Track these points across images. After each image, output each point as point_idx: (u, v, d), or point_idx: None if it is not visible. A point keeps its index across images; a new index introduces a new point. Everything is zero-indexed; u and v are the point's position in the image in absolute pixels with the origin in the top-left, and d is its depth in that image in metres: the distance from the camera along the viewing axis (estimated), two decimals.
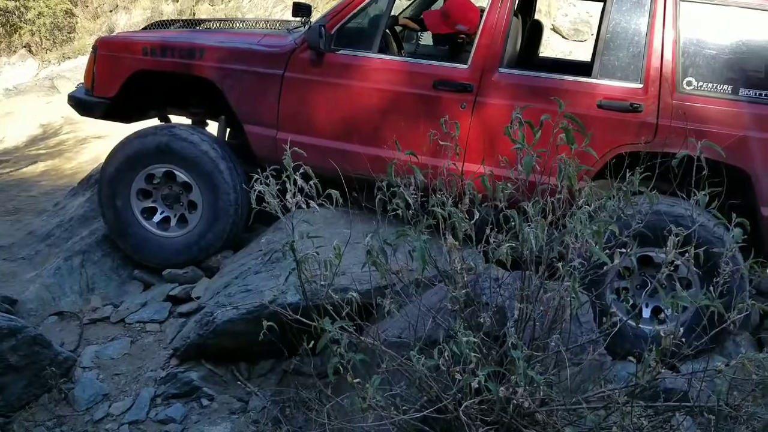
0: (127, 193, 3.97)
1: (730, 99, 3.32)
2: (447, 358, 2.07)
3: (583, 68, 4.05)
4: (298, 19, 4.09)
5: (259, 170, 2.30)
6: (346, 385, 2.20)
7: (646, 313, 3.40)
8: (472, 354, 2.01)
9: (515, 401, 2.02)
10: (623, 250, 2.33)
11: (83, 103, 4.25)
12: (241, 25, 5.15)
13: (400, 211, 2.34)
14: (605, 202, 2.32)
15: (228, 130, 4.32)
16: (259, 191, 2.21)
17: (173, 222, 4.02)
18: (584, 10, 9.24)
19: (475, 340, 2.06)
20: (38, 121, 10.15)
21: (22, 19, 12.95)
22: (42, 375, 3.20)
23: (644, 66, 3.39)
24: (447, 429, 2.22)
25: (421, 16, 4.59)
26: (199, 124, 4.60)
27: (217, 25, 4.97)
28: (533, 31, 4.82)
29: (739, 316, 2.12)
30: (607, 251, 2.22)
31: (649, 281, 2.43)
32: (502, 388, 2.00)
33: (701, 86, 3.34)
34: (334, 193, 2.24)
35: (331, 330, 2.10)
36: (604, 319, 2.42)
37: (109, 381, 3.34)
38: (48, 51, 12.98)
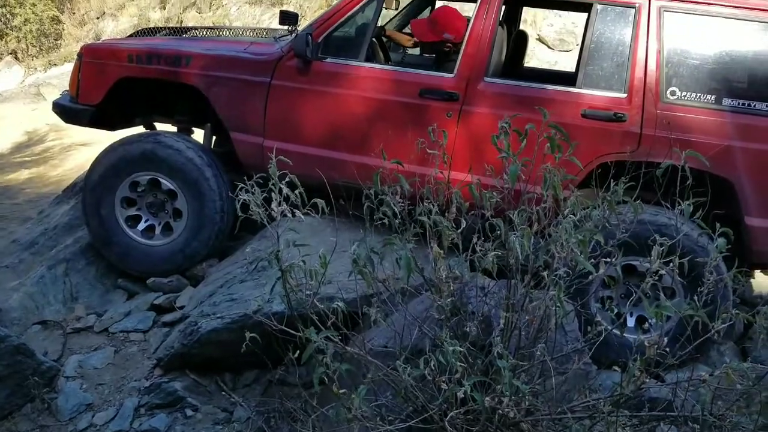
0: (112, 201, 3.94)
1: (713, 109, 3.35)
2: (433, 367, 2.06)
3: (567, 78, 4.08)
4: (284, 27, 4.09)
5: (245, 178, 2.29)
6: (332, 396, 2.19)
7: (631, 322, 3.41)
8: (458, 364, 2.01)
9: (501, 411, 2.02)
10: (608, 259, 2.34)
11: (68, 111, 4.22)
12: (228, 32, 5.14)
13: (386, 220, 2.34)
14: (590, 211, 2.33)
15: (214, 137, 4.30)
16: (245, 200, 2.20)
17: (158, 230, 4.00)
18: (569, 21, 9.31)
19: (461, 349, 2.05)
20: (23, 128, 10.07)
21: (8, 26, 12.89)
22: (25, 384, 3.17)
23: (628, 76, 3.41)
24: None
25: (409, 26, 4.61)
26: (185, 131, 4.58)
27: (204, 32, 4.96)
28: (518, 42, 4.85)
29: (723, 325, 2.12)
30: (592, 260, 2.23)
31: (633, 291, 2.43)
32: (487, 398, 2.00)
33: (685, 96, 3.37)
34: (320, 201, 2.24)
35: (317, 340, 2.09)
36: (589, 329, 2.42)
37: (93, 391, 3.31)
38: (34, 58, 12.91)
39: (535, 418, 2.18)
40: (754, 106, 3.32)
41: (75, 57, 4.32)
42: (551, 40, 9.35)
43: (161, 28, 5.41)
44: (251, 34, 4.95)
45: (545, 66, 8.40)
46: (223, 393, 3.20)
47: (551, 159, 2.27)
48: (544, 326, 2.30)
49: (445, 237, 2.25)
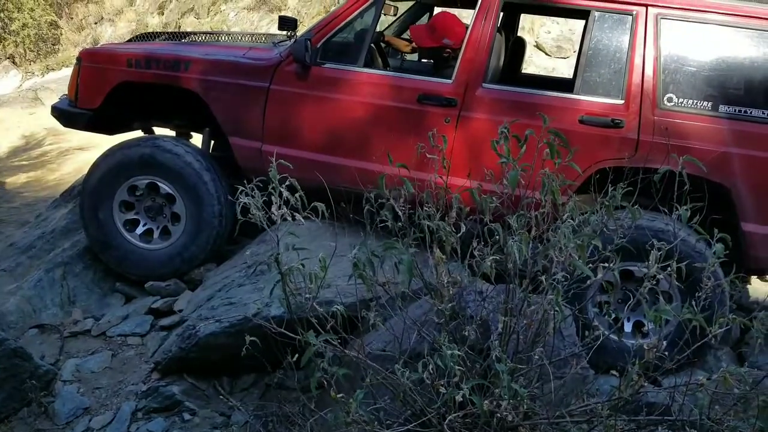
0: (110, 204, 3.94)
1: (710, 115, 3.37)
2: (431, 371, 2.06)
3: (565, 84, 4.10)
4: (283, 32, 4.10)
5: (244, 182, 2.30)
6: (330, 400, 2.19)
7: (628, 327, 3.42)
8: (457, 367, 2.01)
9: (499, 415, 2.02)
10: (606, 264, 2.35)
11: (67, 115, 4.23)
12: (226, 38, 5.16)
13: (387, 224, 2.35)
14: (589, 216, 2.34)
15: (212, 142, 4.31)
16: (245, 203, 2.21)
17: (156, 234, 4.00)
18: (567, 28, 9.34)
19: (460, 353, 2.06)
20: (21, 132, 10.06)
21: (6, 30, 12.90)
22: (22, 388, 3.16)
23: (625, 82, 3.43)
24: None
25: (407, 32, 4.63)
26: (183, 136, 4.60)
27: (203, 37, 4.97)
28: (516, 48, 4.87)
29: (720, 330, 2.13)
30: (590, 265, 2.24)
31: (631, 295, 2.44)
32: (486, 402, 2.00)
33: (682, 102, 3.39)
34: (320, 205, 2.24)
35: (316, 343, 2.09)
36: (587, 333, 2.44)
37: (90, 395, 3.30)
38: (32, 62, 12.92)
39: (533, 422, 2.19)
40: (750, 112, 3.34)
41: (72, 62, 4.33)
42: (549, 47, 9.38)
43: (160, 33, 5.43)
44: (250, 39, 4.96)
45: (542, 72, 8.42)
46: (221, 397, 3.19)
47: (550, 164, 2.29)
48: (542, 330, 2.31)
49: (446, 242, 2.25)
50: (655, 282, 2.27)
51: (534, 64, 9.00)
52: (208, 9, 12.73)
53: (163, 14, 13.05)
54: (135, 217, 4.01)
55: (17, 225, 5.96)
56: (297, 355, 2.21)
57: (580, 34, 3.96)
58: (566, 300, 2.27)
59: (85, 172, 4.14)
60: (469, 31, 3.64)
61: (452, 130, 3.54)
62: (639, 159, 3.30)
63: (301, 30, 4.11)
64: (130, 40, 4.91)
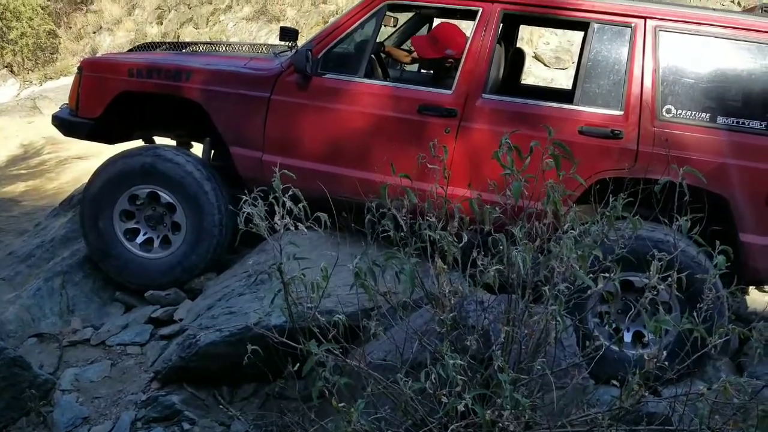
0: (110, 213, 3.95)
1: (708, 126, 3.39)
2: (433, 381, 2.07)
3: (564, 95, 4.12)
4: (284, 43, 4.13)
5: (245, 192, 2.31)
6: (331, 409, 2.19)
7: (628, 337, 3.43)
8: (458, 377, 2.02)
9: (501, 424, 2.02)
10: (606, 274, 2.36)
11: (67, 124, 4.25)
12: (227, 48, 5.18)
13: (389, 233, 2.36)
14: (589, 227, 2.35)
15: (212, 151, 4.32)
16: (248, 212, 2.21)
17: (156, 243, 4.01)
18: (565, 39, 9.42)
19: (462, 363, 2.06)
20: (19, 141, 10.06)
21: (5, 39, 12.92)
22: (21, 397, 3.15)
23: (624, 93, 3.46)
24: None
25: (409, 42, 4.66)
26: (184, 145, 4.61)
27: (204, 48, 5.00)
28: (516, 59, 4.90)
29: (720, 340, 2.14)
30: (591, 275, 2.25)
31: (632, 305, 2.45)
32: (488, 412, 2.01)
33: (680, 114, 3.41)
34: (323, 215, 2.25)
35: (317, 353, 2.10)
36: (587, 343, 2.44)
37: (89, 404, 3.29)
38: (30, 71, 12.94)
39: None
40: (748, 124, 3.36)
41: (71, 71, 4.36)
42: (547, 58, 9.45)
43: (161, 42, 5.45)
44: (250, 49, 4.99)
45: (541, 83, 8.47)
46: (221, 406, 3.18)
47: (550, 175, 2.30)
48: (544, 341, 2.32)
49: (448, 252, 2.26)
50: (655, 292, 2.28)
51: (533, 74, 9.06)
52: (207, 19, 12.78)
53: (161, 24, 13.10)
54: (135, 226, 4.02)
55: (16, 234, 5.95)
56: (298, 365, 2.22)
57: (579, 46, 3.99)
58: (567, 310, 2.28)
59: (84, 181, 4.15)
60: (469, 43, 3.66)
61: (452, 141, 3.56)
62: (639, 170, 3.32)
63: (301, 41, 4.13)
64: (131, 50, 4.93)
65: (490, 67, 3.63)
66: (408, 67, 4.74)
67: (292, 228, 2.25)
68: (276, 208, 2.23)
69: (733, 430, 2.16)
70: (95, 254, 4.06)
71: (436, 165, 2.56)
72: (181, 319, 3.68)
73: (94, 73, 4.15)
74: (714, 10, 4.14)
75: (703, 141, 3.38)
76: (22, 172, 9.10)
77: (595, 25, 3.54)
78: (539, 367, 2.22)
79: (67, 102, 4.34)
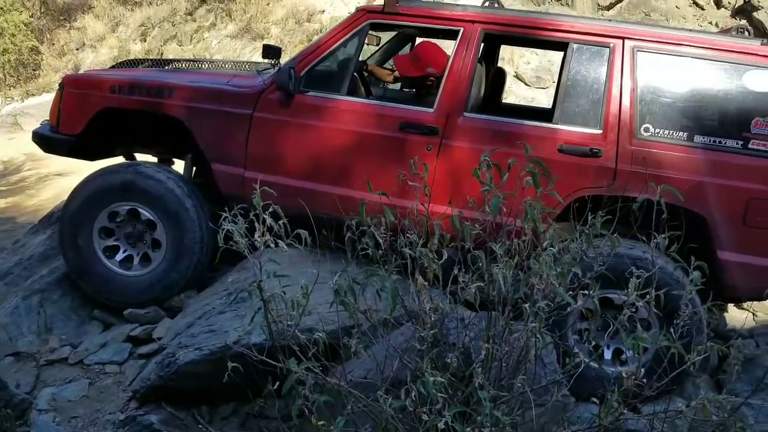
0: (90, 231, 3.91)
1: (685, 145, 3.44)
2: (414, 398, 2.06)
3: (544, 114, 4.17)
4: (267, 60, 4.14)
5: (226, 209, 2.30)
6: (311, 428, 2.18)
7: (608, 354, 3.44)
8: (439, 394, 2.02)
9: None
10: (586, 291, 2.38)
11: (48, 140, 4.22)
12: (210, 65, 5.18)
13: (368, 251, 2.36)
14: (569, 244, 2.37)
15: (194, 168, 4.31)
16: (228, 229, 2.21)
17: (136, 261, 3.97)
18: (546, 59, 9.53)
19: (442, 380, 2.06)
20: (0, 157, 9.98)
21: None
22: None
23: (603, 113, 3.50)
24: None
25: (392, 60, 4.69)
26: (165, 162, 4.59)
27: (186, 65, 5.00)
28: (496, 78, 4.95)
29: (698, 358, 2.16)
30: (571, 293, 2.27)
31: (611, 322, 2.47)
32: (468, 429, 2.01)
33: (658, 133, 3.46)
34: (303, 232, 2.25)
35: (297, 371, 2.08)
36: (567, 361, 2.45)
37: (66, 424, 3.23)
38: (12, 87, 12.84)
39: None
40: (725, 143, 3.41)
41: (53, 87, 4.34)
42: (528, 78, 9.55)
43: (143, 59, 5.44)
44: (233, 67, 4.99)
45: (522, 102, 8.55)
46: (200, 426, 3.15)
47: (530, 192, 2.32)
48: (524, 358, 2.32)
49: (429, 269, 2.27)
50: (634, 309, 2.29)
51: (514, 93, 9.15)
52: (191, 36, 12.78)
53: (145, 41, 13.07)
54: (115, 243, 3.98)
55: None
56: (278, 383, 2.20)
57: (559, 66, 4.03)
58: (547, 327, 2.29)
59: (65, 198, 4.11)
60: (450, 62, 3.70)
61: (434, 158, 3.58)
62: (617, 188, 3.36)
63: (285, 59, 4.15)
64: (113, 67, 4.92)
65: (471, 86, 3.66)
66: (391, 86, 4.77)
67: (273, 245, 2.25)
68: (256, 225, 2.22)
69: None
70: (74, 272, 4.01)
71: (418, 182, 2.57)
72: (160, 338, 3.64)
73: (75, 89, 4.14)
74: (691, 30, 4.21)
75: (680, 159, 3.43)
76: (2, 188, 9.01)
77: (574, 46, 3.59)
78: (519, 385, 2.22)
79: (48, 118, 4.31)
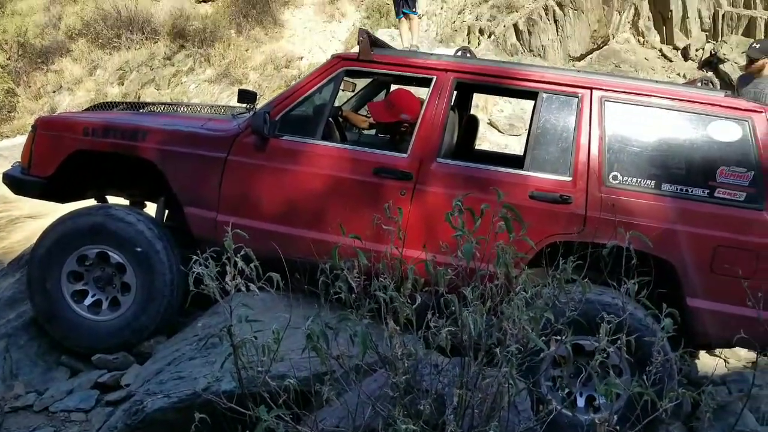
0: (58, 275, 3.84)
1: (653, 193, 3.50)
2: None
3: (516, 161, 4.23)
4: (243, 105, 4.17)
5: (198, 252, 2.28)
6: None
7: (581, 401, 3.43)
8: None
9: None
10: (558, 337, 2.38)
11: (18, 182, 4.17)
12: (185, 109, 5.20)
13: (341, 296, 2.35)
14: (541, 289, 2.38)
15: (166, 211, 4.28)
16: (198, 273, 2.18)
17: (105, 305, 3.90)
18: (519, 107, 9.72)
19: (415, 428, 2.04)
20: None
21: None
22: None
23: (572, 160, 3.56)
24: None
25: (365, 107, 4.75)
26: (137, 205, 4.56)
27: (162, 108, 5.01)
28: (469, 125, 5.03)
29: (671, 404, 2.17)
30: (543, 338, 2.27)
31: (583, 368, 2.47)
32: None
33: (626, 180, 3.52)
34: (275, 276, 2.24)
35: (267, 419, 2.05)
36: (541, 407, 2.44)
37: None
38: None
39: None
40: (691, 191, 3.48)
41: (27, 129, 4.30)
42: (501, 125, 9.72)
43: (118, 102, 5.45)
44: (209, 110, 5.02)
45: (496, 149, 8.67)
46: None
47: (502, 237, 2.34)
48: (497, 404, 2.31)
49: (401, 313, 2.26)
50: (605, 356, 2.30)
51: (488, 140, 9.29)
52: (169, 80, 12.86)
53: (123, 84, 13.12)
54: (84, 287, 3.91)
55: None
56: None
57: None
58: (520, 373, 2.28)
59: (35, 240, 4.04)
60: (424, 108, 3.76)
61: (408, 203, 3.60)
62: (587, 234, 3.40)
63: (261, 104, 4.18)
64: (87, 109, 4.91)
65: (444, 132, 3.72)
66: (366, 132, 4.82)
67: (244, 289, 2.23)
68: (228, 268, 2.21)
69: None
70: (41, 316, 3.92)
71: (391, 226, 2.58)
72: (128, 384, 3.55)
73: (48, 131, 4.11)
74: (657, 82, 4.33)
75: (648, 207, 3.48)
76: None
77: (544, 95, 3.67)
78: None
79: (20, 160, 4.27)
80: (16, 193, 4.33)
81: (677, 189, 3.49)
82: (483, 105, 9.71)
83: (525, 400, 2.73)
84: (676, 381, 3.20)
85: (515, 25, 11.34)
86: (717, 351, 4.56)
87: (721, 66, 10.29)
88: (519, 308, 2.21)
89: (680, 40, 11.08)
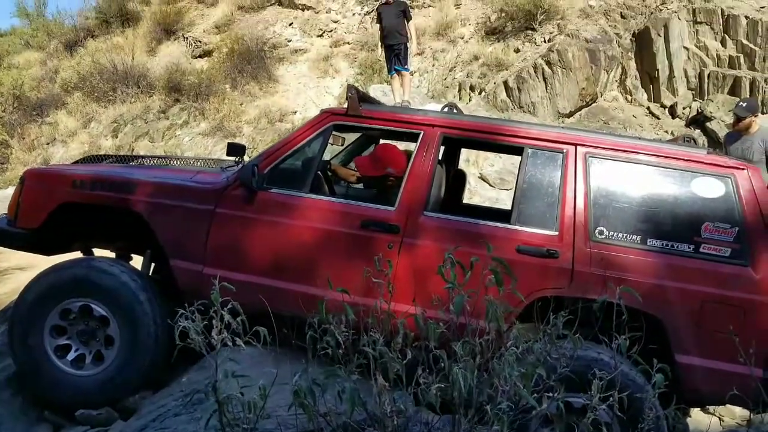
0: (41, 330, 3.77)
1: (639, 248, 3.50)
2: None
3: (503, 215, 4.26)
4: (232, 158, 4.19)
5: (185, 305, 2.25)
6: None
7: None
8: None
9: None
10: (550, 394, 2.35)
11: (4, 234, 4.14)
12: (175, 162, 5.22)
13: (329, 350, 2.32)
14: (532, 344, 2.36)
15: (153, 264, 4.25)
16: (184, 327, 2.16)
17: (88, 359, 3.81)
18: (509, 162, 9.82)
19: None
20: None
21: None
22: None
23: (559, 215, 3.58)
24: None
25: (353, 161, 4.79)
26: (123, 258, 4.52)
27: (151, 161, 5.03)
28: (457, 179, 5.08)
29: None
30: (535, 395, 2.24)
31: (575, 426, 2.43)
32: None
33: (612, 235, 3.54)
34: (262, 330, 2.21)
35: None
36: None
37: None
38: None
39: None
40: (677, 246, 3.49)
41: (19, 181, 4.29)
42: (492, 179, 9.81)
43: (108, 155, 5.47)
44: (199, 164, 5.04)
45: (486, 203, 8.74)
46: None
47: (491, 291, 2.33)
48: None
49: (390, 369, 2.23)
50: (596, 413, 2.27)
51: (479, 194, 9.36)
52: (163, 133, 12.95)
53: (117, 137, 13.18)
54: (67, 342, 3.83)
55: None
56: None
57: None
58: (511, 431, 2.24)
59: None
60: (411, 163, 3.79)
61: (395, 256, 3.59)
62: (576, 289, 3.39)
63: (250, 156, 4.21)
64: (76, 162, 4.92)
65: (431, 186, 3.74)
66: (354, 186, 4.85)
67: (231, 343, 2.20)
68: (214, 322, 2.18)
69: None
70: (24, 372, 3.83)
71: (380, 279, 2.57)
72: None
73: (36, 183, 4.11)
74: (640, 138, 4.41)
75: (634, 262, 3.48)
76: None
77: (529, 150, 3.72)
78: None
79: (7, 211, 4.25)
80: (0, 245, 4.29)
81: (663, 244, 3.50)
82: (474, 159, 9.83)
83: None
84: None
85: (505, 83, 11.57)
86: (711, 408, 4.50)
87: (708, 124, 10.47)
88: (510, 364, 2.18)
89: (667, 99, 11.30)
